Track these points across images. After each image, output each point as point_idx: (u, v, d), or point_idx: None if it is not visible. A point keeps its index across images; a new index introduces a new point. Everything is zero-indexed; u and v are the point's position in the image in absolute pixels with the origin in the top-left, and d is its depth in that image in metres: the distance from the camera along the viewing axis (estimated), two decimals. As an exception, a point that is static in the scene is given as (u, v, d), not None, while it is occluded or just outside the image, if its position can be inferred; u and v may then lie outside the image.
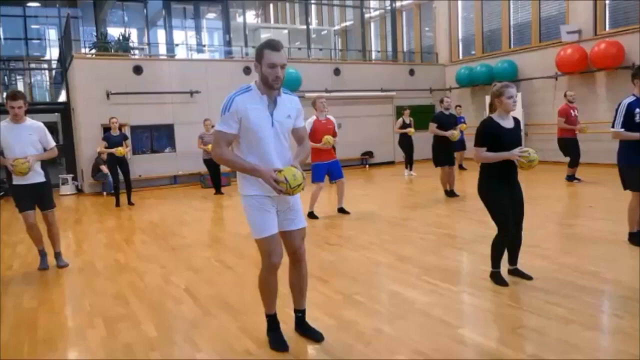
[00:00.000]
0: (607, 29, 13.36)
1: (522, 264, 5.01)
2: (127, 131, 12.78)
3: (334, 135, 8.08)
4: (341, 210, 8.38)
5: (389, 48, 20.05)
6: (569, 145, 10.27)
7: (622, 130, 5.17)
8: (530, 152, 4.18)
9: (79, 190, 13.86)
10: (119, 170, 10.63)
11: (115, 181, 10.78)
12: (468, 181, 11.41)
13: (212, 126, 11.80)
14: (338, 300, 4.30)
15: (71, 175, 13.96)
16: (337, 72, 16.54)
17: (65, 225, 8.84)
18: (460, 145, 12.80)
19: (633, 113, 5.11)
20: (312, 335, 3.52)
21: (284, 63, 3.13)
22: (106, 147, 10.34)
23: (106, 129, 11.24)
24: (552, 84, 14.27)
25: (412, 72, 17.85)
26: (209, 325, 3.91)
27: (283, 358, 3.29)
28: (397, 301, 4.24)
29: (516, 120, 4.40)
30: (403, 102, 16.96)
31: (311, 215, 8.00)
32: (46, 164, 5.91)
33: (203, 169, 12.51)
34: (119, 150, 10.22)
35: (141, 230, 8.07)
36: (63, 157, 15.00)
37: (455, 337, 3.45)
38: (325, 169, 8.08)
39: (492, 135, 4.24)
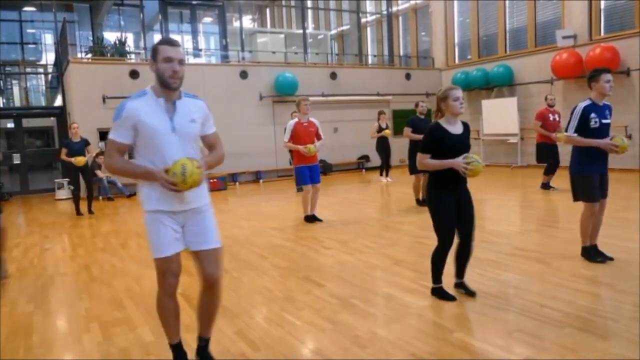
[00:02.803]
0: (602, 33, 13.43)
1: (517, 267, 5.04)
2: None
3: (318, 138, 7.98)
4: (313, 217, 8.12)
5: (386, 52, 20.09)
6: (546, 151, 9.97)
7: (576, 135, 4.90)
8: (474, 160, 3.98)
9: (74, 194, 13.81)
10: (81, 178, 10.43)
11: (75, 189, 10.56)
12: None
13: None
14: (334, 304, 4.30)
15: (67, 179, 13.92)
16: (333, 76, 16.57)
17: (61, 230, 8.83)
18: None
19: (588, 118, 4.87)
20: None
21: (181, 58, 2.86)
22: (67, 155, 10.08)
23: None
24: (547, 88, 14.32)
25: (408, 77, 17.90)
26: (205, 329, 3.90)
27: (279, 362, 3.29)
28: (393, 305, 4.24)
29: (465, 126, 4.21)
30: (399, 106, 17.02)
31: (307, 219, 8.01)
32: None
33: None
34: (78, 160, 9.98)
35: (137, 234, 8.05)
36: (59, 162, 14.98)
37: (451, 340, 3.46)
38: (308, 171, 7.92)
39: (438, 141, 4.03)
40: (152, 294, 4.89)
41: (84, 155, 10.16)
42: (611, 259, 5.05)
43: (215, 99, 14.39)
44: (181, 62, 2.86)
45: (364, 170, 16.80)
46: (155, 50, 2.87)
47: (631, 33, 12.48)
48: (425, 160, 4.08)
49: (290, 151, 8.86)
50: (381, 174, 13.50)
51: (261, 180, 15.01)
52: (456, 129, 4.11)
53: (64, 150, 10.26)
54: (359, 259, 5.77)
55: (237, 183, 14.68)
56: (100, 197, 12.65)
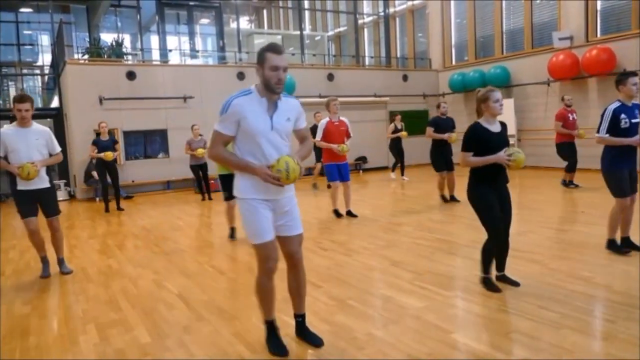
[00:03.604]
0: (598, 35, 13.46)
1: (514, 268, 5.04)
2: (119, 135, 12.77)
3: (348, 136, 8.32)
4: (349, 214, 8.50)
5: (383, 54, 20.12)
6: (567, 150, 10.18)
7: (607, 135, 5.15)
8: (515, 152, 4.22)
9: (72, 196, 13.81)
10: (108, 176, 10.63)
11: (104, 187, 10.78)
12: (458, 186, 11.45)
13: (200, 134, 11.81)
14: (332, 305, 4.30)
15: (63, 181, 13.91)
16: (330, 77, 16.58)
17: (57, 231, 8.80)
18: None
19: (619, 119, 5.09)
20: (312, 340, 3.52)
21: (286, 66, 3.13)
22: (96, 152, 10.36)
23: (98, 134, 11.23)
24: (544, 89, 14.36)
25: (405, 78, 17.92)
26: (202, 330, 3.90)
27: (276, 363, 3.29)
28: (391, 306, 4.24)
29: (503, 124, 4.42)
30: (396, 107, 17.03)
31: (336, 214, 8.41)
32: (49, 170, 5.85)
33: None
34: (107, 155, 10.23)
35: (134, 235, 8.04)
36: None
37: (448, 341, 3.46)
38: (337, 169, 8.27)
39: (481, 140, 4.25)
40: (148, 295, 4.90)
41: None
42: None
43: (212, 100, 14.37)
44: (285, 69, 3.12)
45: (361, 172, 16.80)
46: (262, 57, 3.12)
47: (627, 34, 12.52)
48: (469, 158, 4.27)
49: (318, 149, 9.18)
50: (393, 170, 14.01)
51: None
52: (495, 127, 4.33)
53: (92, 148, 10.49)
54: (356, 260, 5.76)
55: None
56: (97, 199, 12.62)
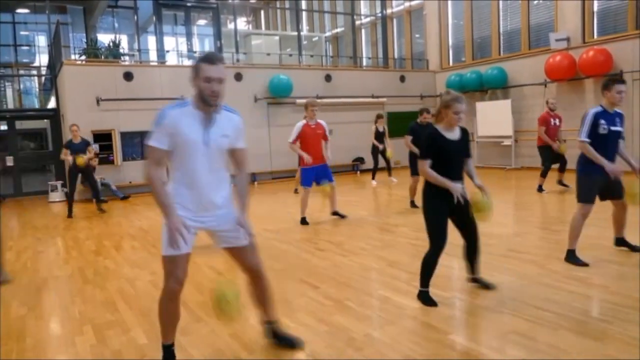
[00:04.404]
0: (595, 36, 13.50)
1: (510, 269, 5.06)
2: (116, 136, 12.73)
3: (325, 139, 8.09)
4: (335, 214, 8.38)
5: (380, 55, 20.13)
6: (546, 154, 10.01)
7: (589, 141, 4.97)
8: (482, 201, 4.01)
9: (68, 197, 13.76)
10: (82, 180, 10.46)
11: (71, 191, 10.58)
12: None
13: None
14: (329, 306, 4.30)
15: (60, 182, 13.87)
16: (328, 78, 16.58)
17: (54, 232, 8.79)
18: None
19: (598, 124, 4.95)
20: (290, 342, 3.46)
21: (221, 77, 2.93)
22: (69, 155, 10.17)
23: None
24: (541, 90, 14.38)
25: (402, 79, 17.93)
26: (200, 331, 3.90)
27: (273, 364, 3.29)
28: (388, 307, 4.25)
29: (464, 131, 4.20)
30: (394, 108, 17.05)
31: (303, 222, 8.00)
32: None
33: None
34: (78, 158, 10.05)
35: (131, 236, 8.03)
36: (52, 164, 14.92)
37: (445, 342, 3.47)
38: (314, 173, 8.03)
39: (436, 146, 4.04)
40: (145, 296, 4.89)
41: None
42: (638, 249, 5.27)
43: (209, 101, 14.38)
44: (221, 81, 2.93)
45: (358, 172, 16.80)
46: (196, 68, 2.94)
47: (624, 35, 12.56)
48: (426, 169, 4.07)
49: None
50: (373, 178, 13.42)
51: (256, 182, 14.99)
52: (453, 134, 4.12)
53: (65, 151, 10.34)
54: (353, 260, 5.77)
55: (232, 185, 14.64)
56: (94, 200, 12.57)
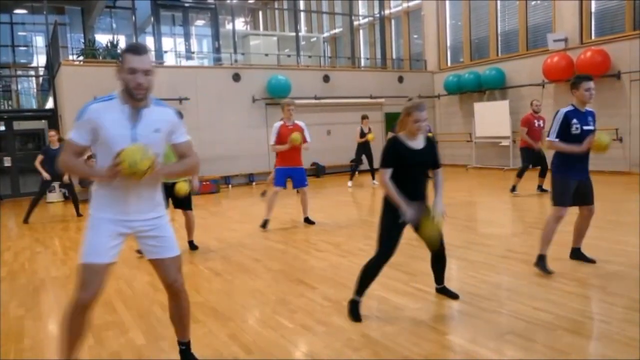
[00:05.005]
0: (593, 37, 13.52)
1: (508, 269, 5.06)
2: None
3: (304, 141, 7.74)
4: (307, 220, 8.06)
5: (378, 55, 20.14)
6: (526, 155, 9.94)
7: (557, 140, 4.82)
8: (429, 224, 3.85)
9: (66, 198, 13.74)
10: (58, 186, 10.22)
11: (39, 195, 10.25)
12: (448, 189, 11.46)
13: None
14: (327, 307, 4.31)
15: (58, 182, 13.82)
16: (326, 79, 16.58)
17: (52, 233, 8.78)
18: None
19: (570, 124, 4.79)
20: None
21: (147, 69, 2.74)
22: (45, 162, 9.96)
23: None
24: (539, 91, 14.40)
25: (400, 79, 17.93)
26: (197, 332, 3.89)
27: (271, 365, 3.29)
28: (386, 307, 4.25)
29: (429, 141, 3.99)
30: (392, 109, 17.05)
31: (264, 225, 7.79)
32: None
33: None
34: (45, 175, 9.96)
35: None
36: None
37: (444, 343, 3.47)
38: (286, 174, 7.77)
39: (397, 156, 3.85)
40: (143, 296, 4.89)
41: None
42: (593, 261, 5.09)
43: (207, 101, 14.39)
44: (147, 72, 2.74)
45: (357, 173, 16.78)
46: (121, 58, 2.77)
47: (621, 36, 12.59)
48: (385, 180, 3.88)
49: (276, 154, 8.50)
50: (351, 178, 13.44)
51: (254, 183, 14.99)
52: (417, 143, 3.92)
53: (40, 158, 10.13)
54: (351, 261, 5.76)
55: (229, 186, 14.66)
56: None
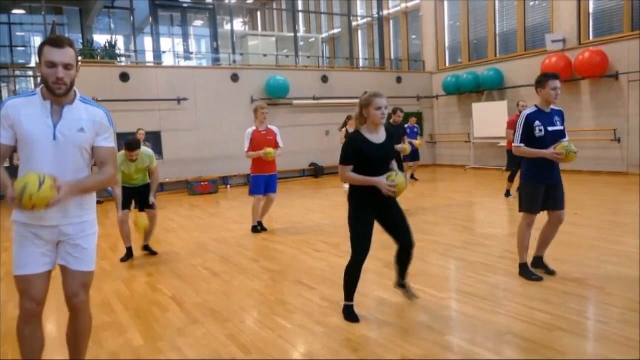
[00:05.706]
0: (591, 37, 13.53)
1: (506, 270, 5.06)
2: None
3: (276, 146, 7.59)
4: (259, 224, 7.87)
5: (377, 56, 20.16)
6: (513, 159, 9.55)
7: (522, 145, 4.62)
8: (397, 178, 3.73)
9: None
10: None
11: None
12: (446, 189, 11.46)
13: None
14: (325, 307, 4.30)
15: (57, 182, 13.83)
16: (324, 79, 16.58)
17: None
18: (413, 155, 11.98)
19: (532, 126, 4.59)
20: None
21: (68, 62, 2.54)
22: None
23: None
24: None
25: (399, 80, 17.94)
26: (196, 332, 3.89)
27: (270, 365, 3.29)
28: (384, 307, 4.25)
29: (389, 134, 3.91)
30: (390, 109, 17.04)
31: (255, 230, 7.74)
32: None
33: (191, 175, 12.38)
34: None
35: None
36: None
37: (442, 343, 3.47)
38: (264, 181, 7.62)
39: (359, 151, 3.74)
40: (141, 297, 4.88)
41: None
42: (553, 273, 4.82)
43: (206, 102, 14.39)
44: (68, 66, 2.55)
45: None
46: (40, 52, 2.56)
47: (620, 37, 12.60)
48: (348, 174, 3.80)
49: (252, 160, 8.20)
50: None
51: (252, 184, 14.99)
52: (378, 138, 3.82)
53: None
54: (350, 262, 5.76)
55: (228, 186, 14.65)
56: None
